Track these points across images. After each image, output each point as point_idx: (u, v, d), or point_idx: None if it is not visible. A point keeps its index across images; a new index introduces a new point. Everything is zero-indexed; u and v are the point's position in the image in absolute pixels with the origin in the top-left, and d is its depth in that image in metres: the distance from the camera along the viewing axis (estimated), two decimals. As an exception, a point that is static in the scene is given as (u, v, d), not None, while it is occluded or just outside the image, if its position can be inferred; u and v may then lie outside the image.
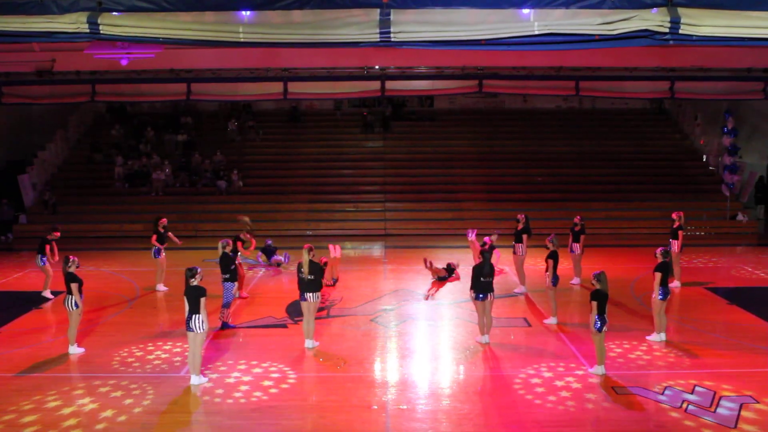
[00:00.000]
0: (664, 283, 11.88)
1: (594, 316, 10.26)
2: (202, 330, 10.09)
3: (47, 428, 8.72)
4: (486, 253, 11.89)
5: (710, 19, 10.52)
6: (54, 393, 9.82)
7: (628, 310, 13.99)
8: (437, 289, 15.93)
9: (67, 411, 9.21)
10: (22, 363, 11.09)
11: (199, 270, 10.23)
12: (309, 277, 11.56)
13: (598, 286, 10.39)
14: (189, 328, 10.09)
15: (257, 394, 9.77)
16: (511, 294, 15.30)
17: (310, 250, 11.71)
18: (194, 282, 10.17)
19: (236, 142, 30.05)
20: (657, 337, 12.02)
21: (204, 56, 17.52)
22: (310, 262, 11.55)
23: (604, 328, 10.32)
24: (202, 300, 10.05)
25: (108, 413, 9.14)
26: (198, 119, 31.29)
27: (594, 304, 10.25)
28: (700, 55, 17.17)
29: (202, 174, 27.78)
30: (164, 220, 16.31)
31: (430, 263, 16.55)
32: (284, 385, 10.08)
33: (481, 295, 11.78)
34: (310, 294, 11.63)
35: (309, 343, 11.76)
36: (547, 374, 10.46)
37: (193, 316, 10.03)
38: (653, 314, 12.15)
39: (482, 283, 11.78)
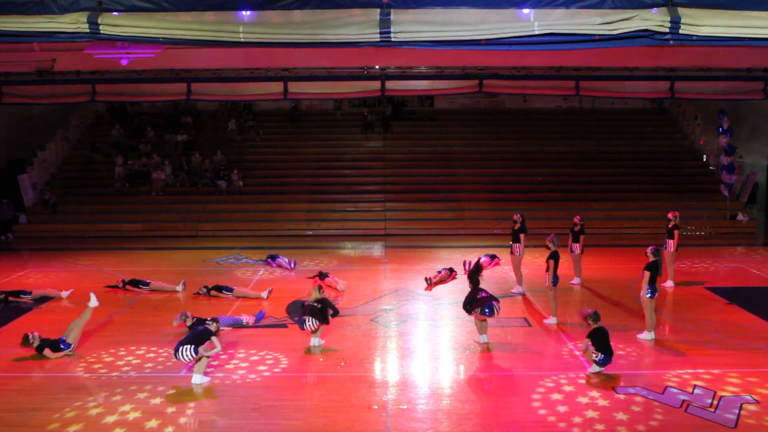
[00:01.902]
0: (653, 282, 11.91)
1: (590, 349, 10.40)
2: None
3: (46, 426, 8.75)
4: (475, 275, 12.04)
5: (710, 19, 10.53)
6: (55, 394, 9.85)
7: (627, 310, 13.99)
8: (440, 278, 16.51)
9: (70, 414, 9.20)
10: (22, 363, 11.11)
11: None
12: (316, 305, 11.54)
13: (594, 326, 10.45)
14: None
15: (257, 393, 9.79)
16: (508, 294, 15.29)
17: (320, 288, 11.76)
18: (189, 323, 10.51)
19: (236, 142, 30.03)
20: (647, 336, 12.06)
21: (204, 56, 17.49)
22: (321, 300, 11.60)
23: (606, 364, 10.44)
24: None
25: (109, 418, 9.16)
26: (198, 119, 31.27)
27: (588, 341, 10.38)
28: (700, 55, 17.15)
29: (202, 174, 27.78)
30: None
31: (431, 279, 16.47)
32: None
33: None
34: (312, 319, 11.54)
35: (315, 341, 11.74)
36: (547, 374, 10.47)
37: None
38: (644, 312, 12.20)
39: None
